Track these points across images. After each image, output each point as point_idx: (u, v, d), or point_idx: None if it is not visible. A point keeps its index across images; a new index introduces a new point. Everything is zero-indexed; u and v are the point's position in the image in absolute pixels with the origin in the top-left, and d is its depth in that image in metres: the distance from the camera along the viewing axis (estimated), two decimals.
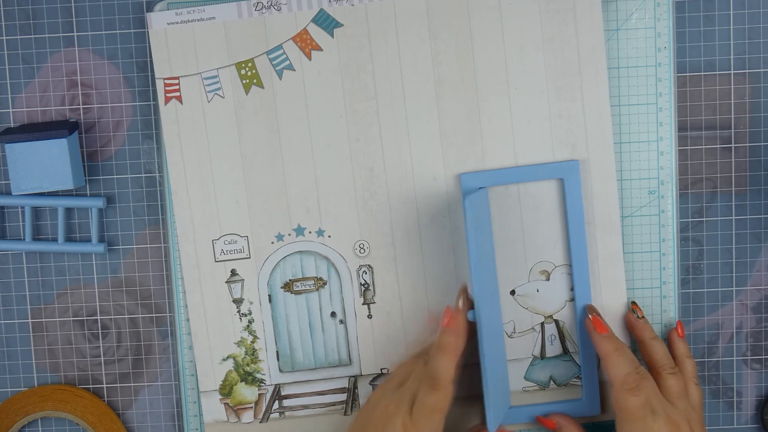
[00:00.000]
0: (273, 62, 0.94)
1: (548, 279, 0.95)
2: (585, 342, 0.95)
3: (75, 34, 0.97)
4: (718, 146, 0.97)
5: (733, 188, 0.97)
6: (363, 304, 0.97)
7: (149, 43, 0.95)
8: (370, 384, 0.97)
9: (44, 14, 0.97)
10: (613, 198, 0.94)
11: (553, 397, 0.97)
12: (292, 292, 0.97)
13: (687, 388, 0.90)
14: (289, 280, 0.96)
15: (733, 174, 0.97)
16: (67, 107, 0.98)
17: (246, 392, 0.98)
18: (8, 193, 0.98)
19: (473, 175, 0.94)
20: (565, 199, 0.94)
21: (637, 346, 0.94)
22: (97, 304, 1.00)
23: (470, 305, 0.90)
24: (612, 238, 0.94)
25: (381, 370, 0.97)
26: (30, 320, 1.00)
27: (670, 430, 0.85)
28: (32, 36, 0.97)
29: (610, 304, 0.95)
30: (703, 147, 0.97)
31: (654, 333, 0.92)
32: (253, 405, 0.98)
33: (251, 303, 0.97)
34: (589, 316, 0.92)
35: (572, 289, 0.95)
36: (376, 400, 0.90)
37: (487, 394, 0.88)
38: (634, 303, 0.95)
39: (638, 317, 0.93)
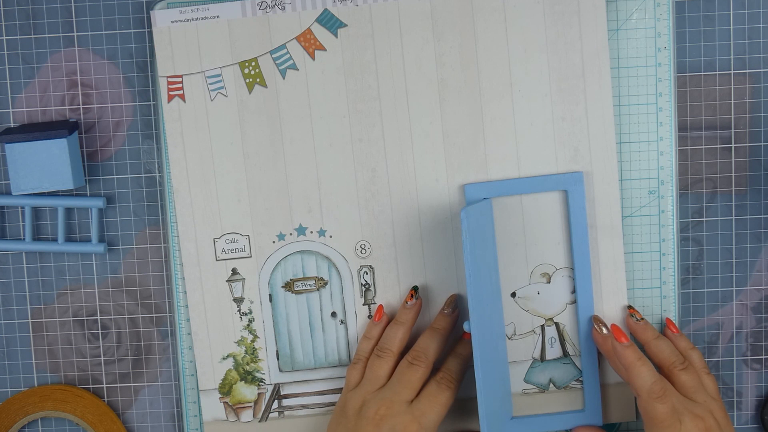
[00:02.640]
0: (276, 62, 0.94)
1: (549, 282, 0.96)
2: (587, 352, 0.95)
3: (75, 34, 0.97)
4: (718, 146, 0.97)
5: (733, 188, 0.97)
6: (363, 304, 0.97)
7: (152, 41, 0.95)
8: None
9: (44, 14, 0.97)
10: (615, 201, 0.94)
11: (553, 405, 0.97)
12: (292, 292, 0.97)
13: (700, 380, 0.90)
14: (290, 280, 0.96)
15: (733, 174, 0.97)
16: (67, 107, 0.97)
17: (245, 391, 0.98)
18: (8, 193, 0.98)
19: (477, 186, 0.94)
20: (569, 210, 0.94)
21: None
22: (97, 304, 1.00)
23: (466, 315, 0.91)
24: (613, 242, 0.94)
25: None
26: (30, 320, 1.00)
27: (697, 426, 0.86)
28: (32, 36, 0.97)
29: (612, 307, 0.95)
30: (703, 147, 0.97)
31: (656, 332, 0.93)
32: (252, 404, 0.98)
33: (252, 302, 0.97)
34: (601, 328, 0.93)
35: (573, 293, 0.95)
36: (358, 407, 0.91)
37: (481, 405, 0.88)
38: (630, 307, 0.95)
39: (637, 320, 0.93)
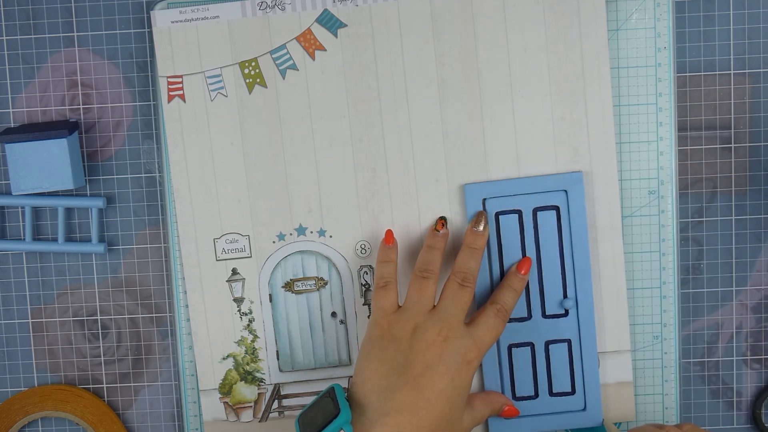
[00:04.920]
0: (276, 62, 0.94)
1: None
2: (587, 350, 0.95)
3: (75, 34, 0.97)
4: (718, 146, 0.97)
5: (733, 188, 0.97)
6: (363, 304, 0.97)
7: (152, 41, 0.95)
8: None
9: (44, 14, 0.97)
10: (614, 201, 0.94)
11: (553, 405, 0.97)
12: (292, 292, 0.97)
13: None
14: (290, 280, 0.96)
15: (733, 174, 0.97)
16: (67, 107, 0.97)
17: (245, 391, 0.98)
18: (8, 193, 0.98)
19: (476, 186, 0.94)
20: (568, 210, 0.94)
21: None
22: (97, 304, 0.99)
23: None
24: (613, 242, 0.94)
25: None
26: (30, 320, 1.00)
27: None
28: (32, 36, 0.97)
29: (611, 307, 0.95)
30: (703, 147, 0.97)
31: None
32: (252, 404, 0.98)
33: (252, 302, 0.97)
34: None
35: (575, 296, 0.95)
36: (411, 330, 0.88)
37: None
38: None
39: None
